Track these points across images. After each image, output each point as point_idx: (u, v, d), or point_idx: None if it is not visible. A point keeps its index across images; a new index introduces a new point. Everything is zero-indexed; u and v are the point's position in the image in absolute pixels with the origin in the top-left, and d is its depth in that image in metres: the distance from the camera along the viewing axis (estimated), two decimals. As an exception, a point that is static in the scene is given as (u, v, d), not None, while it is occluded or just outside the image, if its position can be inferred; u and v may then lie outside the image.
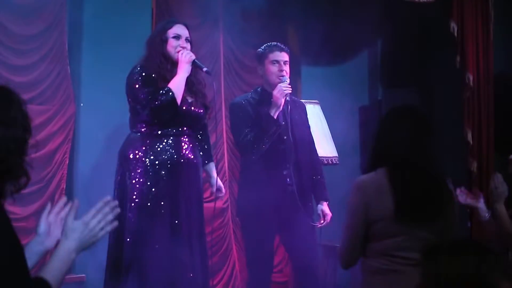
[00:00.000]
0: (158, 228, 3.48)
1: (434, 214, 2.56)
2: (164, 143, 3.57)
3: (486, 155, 4.50)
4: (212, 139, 5.02)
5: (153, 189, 3.51)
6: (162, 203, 3.51)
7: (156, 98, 3.50)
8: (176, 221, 3.54)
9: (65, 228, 1.86)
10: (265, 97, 3.81)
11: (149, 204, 3.50)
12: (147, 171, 3.52)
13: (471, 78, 4.58)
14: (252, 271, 3.88)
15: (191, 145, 3.66)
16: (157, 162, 3.53)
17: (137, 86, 3.55)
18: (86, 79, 4.50)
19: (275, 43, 3.97)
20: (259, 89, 3.95)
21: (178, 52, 3.62)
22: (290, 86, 3.77)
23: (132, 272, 3.45)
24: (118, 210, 1.93)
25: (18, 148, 1.70)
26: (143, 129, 3.59)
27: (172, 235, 3.51)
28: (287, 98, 3.83)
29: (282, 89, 3.70)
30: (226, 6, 4.97)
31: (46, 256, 2.06)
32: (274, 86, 3.78)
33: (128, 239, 3.45)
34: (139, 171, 3.52)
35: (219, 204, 4.99)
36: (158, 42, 3.66)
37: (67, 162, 4.30)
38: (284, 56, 3.88)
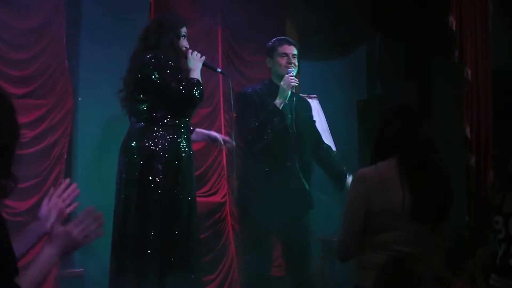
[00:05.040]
0: (177, 220, 3.52)
1: (442, 213, 2.59)
2: (178, 135, 3.57)
3: (484, 150, 4.48)
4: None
5: (175, 183, 3.52)
6: (181, 196, 3.54)
7: (192, 87, 3.51)
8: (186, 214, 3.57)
9: (51, 234, 1.96)
10: (273, 89, 3.84)
11: (171, 198, 3.52)
12: (170, 163, 3.52)
13: (469, 72, 4.56)
14: (251, 264, 3.86)
15: (188, 137, 3.68)
16: (177, 156, 3.54)
17: (166, 72, 3.52)
18: (84, 73, 4.50)
19: (284, 37, 4.07)
20: (266, 81, 3.99)
21: (187, 51, 3.67)
22: (296, 79, 3.81)
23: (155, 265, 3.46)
24: (102, 221, 1.99)
25: (3, 155, 1.74)
26: (166, 120, 3.55)
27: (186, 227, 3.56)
28: (294, 94, 3.86)
29: (289, 80, 3.76)
30: (225, -1, 4.97)
31: (44, 237, 2.14)
32: (282, 78, 3.82)
33: (152, 232, 3.46)
34: (162, 163, 3.50)
35: (216, 198, 4.99)
36: (173, 35, 3.66)
37: (65, 156, 4.30)
38: (293, 50, 3.93)
